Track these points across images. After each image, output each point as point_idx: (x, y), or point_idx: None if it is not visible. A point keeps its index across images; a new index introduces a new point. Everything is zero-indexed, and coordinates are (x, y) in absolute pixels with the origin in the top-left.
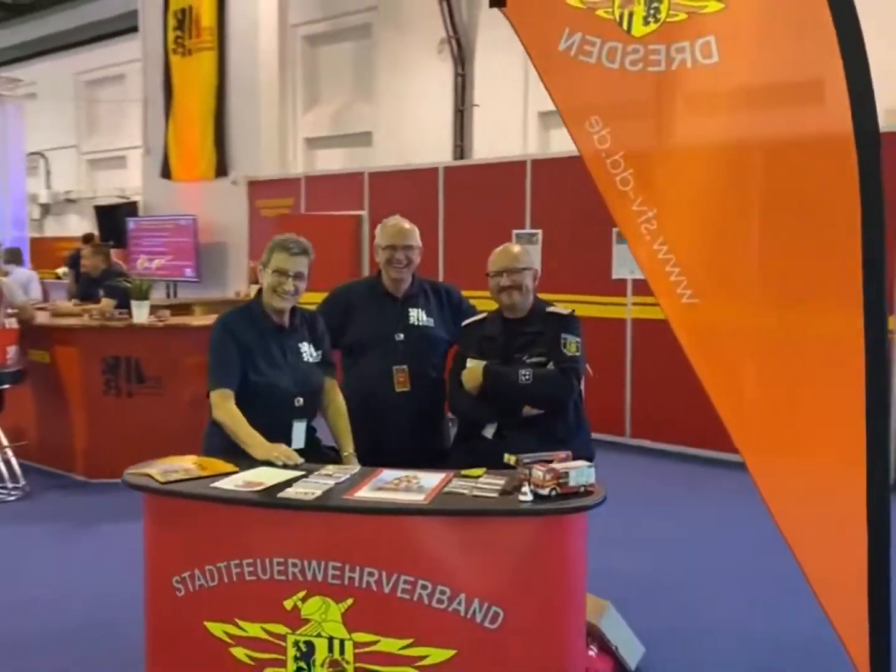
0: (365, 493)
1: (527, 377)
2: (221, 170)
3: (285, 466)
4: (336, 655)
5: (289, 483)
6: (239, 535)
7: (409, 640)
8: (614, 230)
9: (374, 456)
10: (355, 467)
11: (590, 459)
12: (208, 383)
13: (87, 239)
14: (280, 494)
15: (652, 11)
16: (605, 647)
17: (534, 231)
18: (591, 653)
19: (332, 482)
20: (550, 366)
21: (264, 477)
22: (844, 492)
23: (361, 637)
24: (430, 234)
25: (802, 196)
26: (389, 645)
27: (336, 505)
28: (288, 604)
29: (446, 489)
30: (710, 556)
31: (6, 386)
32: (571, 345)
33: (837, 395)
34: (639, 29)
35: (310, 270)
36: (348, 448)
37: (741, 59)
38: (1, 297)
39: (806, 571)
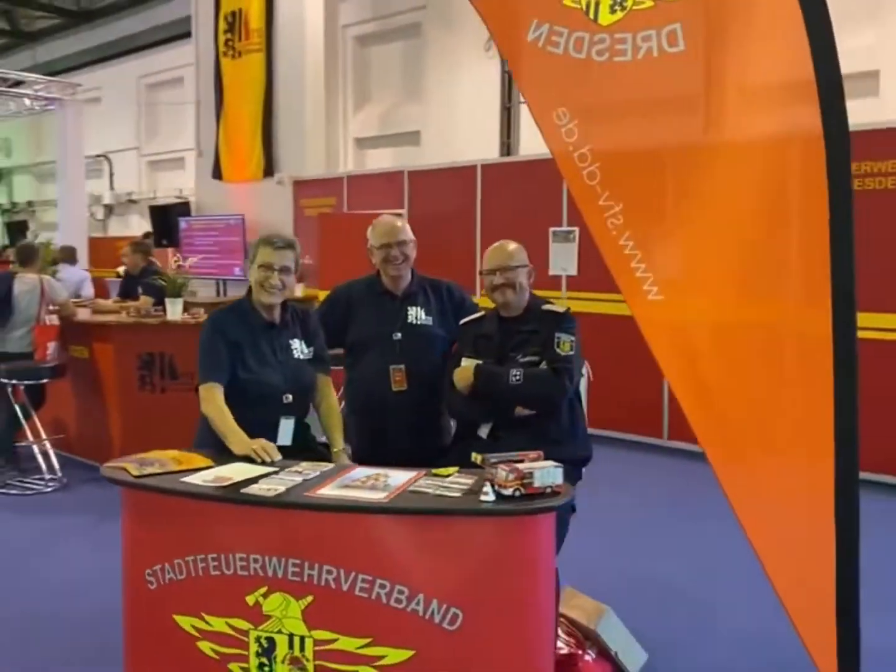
0: (327, 491)
1: (517, 377)
2: (269, 170)
3: (263, 462)
4: (296, 652)
5: (256, 479)
6: (204, 529)
7: (368, 640)
8: None
9: (375, 455)
10: (329, 464)
11: (587, 461)
12: (198, 378)
13: (147, 237)
14: (243, 490)
15: None
16: (604, 653)
17: (570, 228)
18: (588, 658)
19: (299, 479)
20: (544, 365)
21: (235, 472)
22: (812, 489)
23: (321, 635)
24: (467, 230)
25: (770, 194)
26: (348, 643)
27: (293, 502)
28: (250, 599)
29: (411, 488)
30: (722, 559)
31: (45, 380)
32: (565, 344)
33: (805, 391)
34: (605, 17)
35: (297, 265)
36: (338, 444)
37: (709, 49)
38: (43, 295)
39: (769, 572)
